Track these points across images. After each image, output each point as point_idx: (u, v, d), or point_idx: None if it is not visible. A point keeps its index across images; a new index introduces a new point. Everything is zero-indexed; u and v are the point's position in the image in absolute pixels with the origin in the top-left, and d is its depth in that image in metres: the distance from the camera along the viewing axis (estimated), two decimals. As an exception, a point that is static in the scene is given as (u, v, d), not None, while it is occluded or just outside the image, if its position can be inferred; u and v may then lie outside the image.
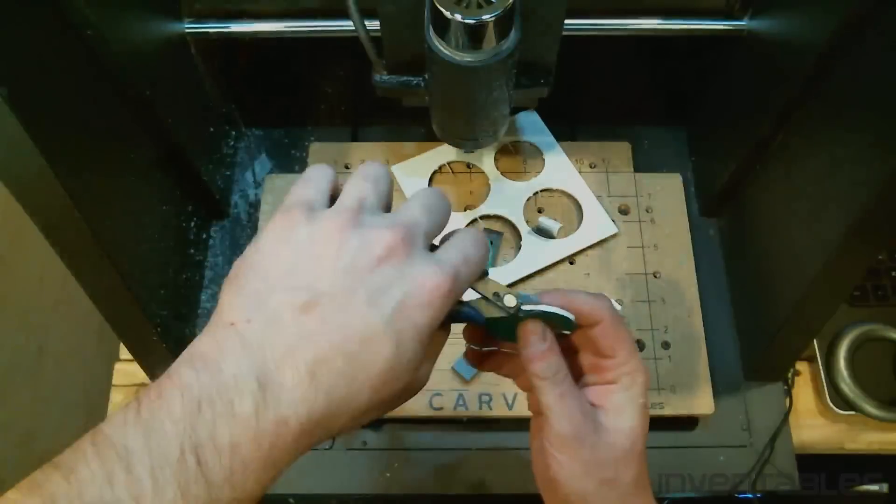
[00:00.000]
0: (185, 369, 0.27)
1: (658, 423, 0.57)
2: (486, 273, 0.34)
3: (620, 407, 0.36)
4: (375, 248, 0.29)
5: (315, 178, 0.34)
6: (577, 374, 0.38)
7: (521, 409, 0.56)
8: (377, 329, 0.28)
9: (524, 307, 0.35)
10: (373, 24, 0.49)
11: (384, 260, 0.29)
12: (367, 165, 0.34)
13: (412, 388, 0.32)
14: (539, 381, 0.35)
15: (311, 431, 0.28)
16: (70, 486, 0.24)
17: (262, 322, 0.28)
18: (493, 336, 0.38)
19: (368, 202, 0.32)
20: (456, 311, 0.33)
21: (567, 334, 0.37)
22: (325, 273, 0.29)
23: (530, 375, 0.35)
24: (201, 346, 0.28)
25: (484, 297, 0.34)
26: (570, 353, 0.38)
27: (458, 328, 0.36)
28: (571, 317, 0.35)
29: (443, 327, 0.33)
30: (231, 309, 0.29)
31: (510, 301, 0.34)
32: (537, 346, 0.35)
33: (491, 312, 0.34)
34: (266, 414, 0.26)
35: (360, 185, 0.33)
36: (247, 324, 0.28)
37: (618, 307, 0.57)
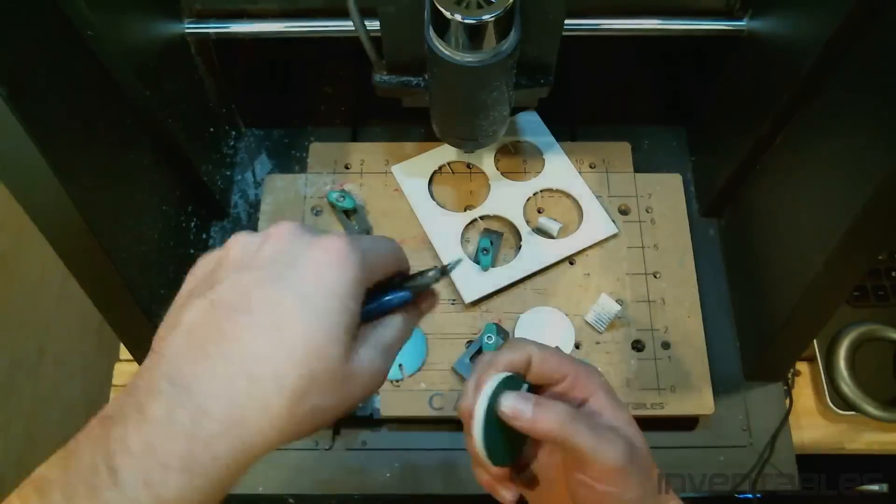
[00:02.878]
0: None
1: (658, 423, 0.57)
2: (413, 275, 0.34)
3: (613, 415, 0.36)
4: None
5: None
6: None
7: (521, 409, 0.56)
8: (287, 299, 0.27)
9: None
10: (373, 24, 0.49)
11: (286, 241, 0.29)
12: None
13: (366, 380, 0.29)
14: (560, 431, 0.34)
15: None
16: None
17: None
18: (512, 462, 0.38)
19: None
20: (386, 297, 0.32)
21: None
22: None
23: (550, 437, 0.34)
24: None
25: (406, 281, 0.33)
26: None
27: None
28: (512, 374, 0.36)
29: (395, 313, 0.32)
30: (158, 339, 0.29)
31: (432, 271, 0.33)
32: (526, 407, 0.34)
33: (416, 281, 0.33)
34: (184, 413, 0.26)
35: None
36: (160, 340, 0.28)
37: (617, 307, 0.57)
